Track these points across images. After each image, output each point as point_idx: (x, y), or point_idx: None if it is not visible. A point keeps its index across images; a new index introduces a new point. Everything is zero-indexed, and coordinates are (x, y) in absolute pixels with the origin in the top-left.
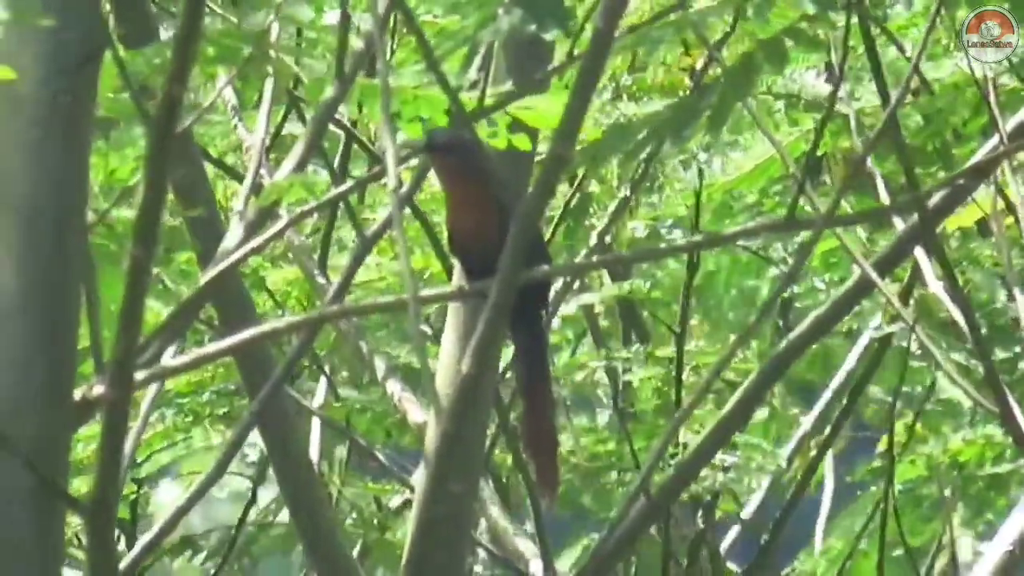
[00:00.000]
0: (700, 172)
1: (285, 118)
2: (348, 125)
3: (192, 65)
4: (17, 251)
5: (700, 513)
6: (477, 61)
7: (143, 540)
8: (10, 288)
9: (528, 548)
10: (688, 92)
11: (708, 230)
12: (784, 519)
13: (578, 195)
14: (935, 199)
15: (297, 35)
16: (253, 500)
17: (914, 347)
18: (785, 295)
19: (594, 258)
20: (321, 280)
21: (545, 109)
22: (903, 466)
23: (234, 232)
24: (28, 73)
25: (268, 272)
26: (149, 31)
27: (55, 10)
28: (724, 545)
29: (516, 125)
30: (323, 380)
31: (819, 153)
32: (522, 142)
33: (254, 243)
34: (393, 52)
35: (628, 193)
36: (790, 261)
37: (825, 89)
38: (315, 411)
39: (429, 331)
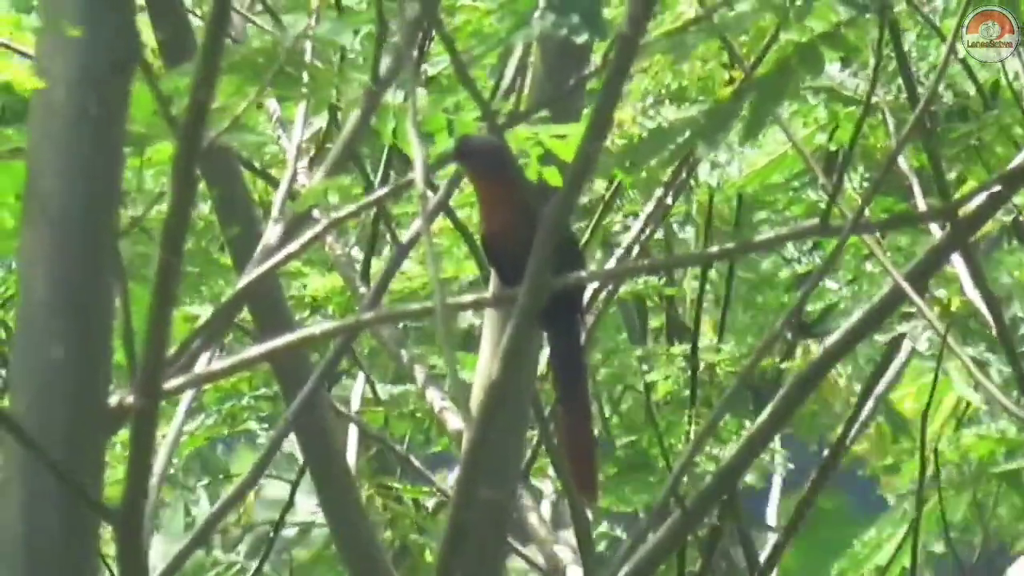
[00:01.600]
0: (714, 166)
1: (330, 125)
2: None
3: (218, 70)
4: (48, 255)
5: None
6: (512, 65)
7: (180, 547)
8: (40, 294)
9: (566, 555)
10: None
11: (742, 235)
12: (798, 518)
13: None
14: (968, 206)
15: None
16: (290, 504)
17: (924, 347)
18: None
19: (628, 264)
20: (363, 289)
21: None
22: (911, 464)
23: (272, 234)
24: (61, 79)
25: (307, 279)
26: (186, 38)
27: (87, 18)
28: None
29: (548, 157)
30: (361, 379)
31: (834, 148)
32: (553, 176)
33: (291, 248)
34: (428, 46)
35: (666, 197)
36: (804, 261)
37: (849, 83)
38: (351, 416)
39: None
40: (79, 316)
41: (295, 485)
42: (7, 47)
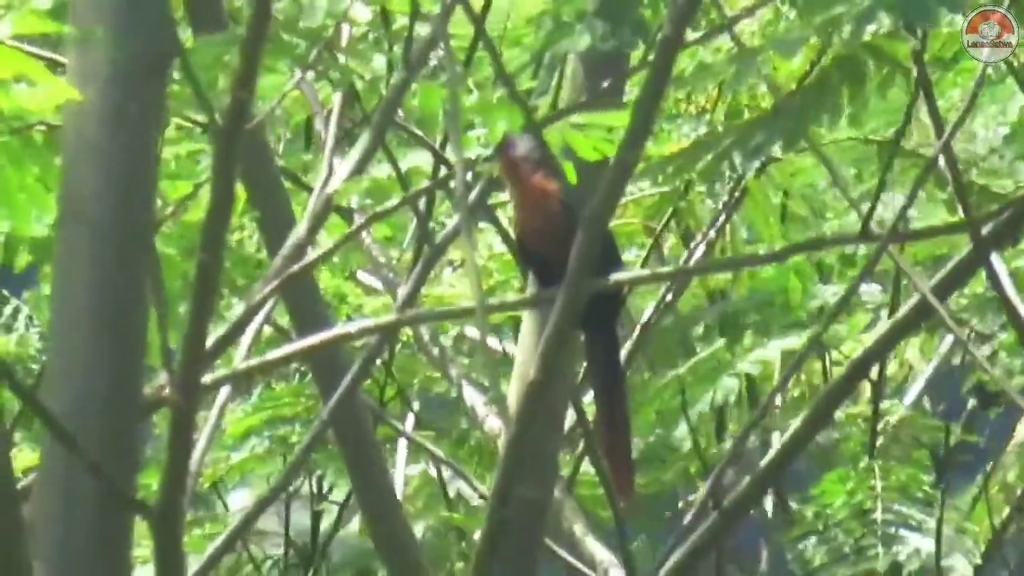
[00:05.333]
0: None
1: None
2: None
3: (258, 69)
4: (84, 254)
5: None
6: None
7: (212, 546)
8: (76, 296)
9: (607, 557)
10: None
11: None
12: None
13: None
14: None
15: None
16: (338, 523)
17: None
18: None
19: (673, 268)
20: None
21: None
22: None
23: (302, 228)
24: (96, 79)
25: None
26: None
27: (121, 16)
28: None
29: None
30: (410, 416)
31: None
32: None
33: (327, 248)
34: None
35: (727, 206)
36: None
37: None
38: (403, 431)
39: None
40: (115, 318)
41: (343, 504)
42: (40, 56)
